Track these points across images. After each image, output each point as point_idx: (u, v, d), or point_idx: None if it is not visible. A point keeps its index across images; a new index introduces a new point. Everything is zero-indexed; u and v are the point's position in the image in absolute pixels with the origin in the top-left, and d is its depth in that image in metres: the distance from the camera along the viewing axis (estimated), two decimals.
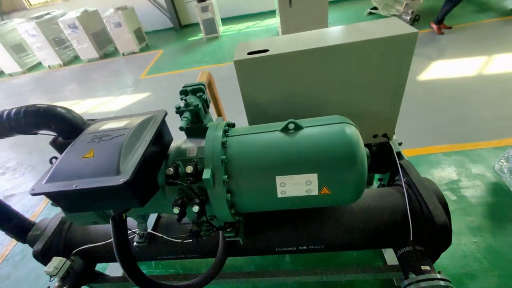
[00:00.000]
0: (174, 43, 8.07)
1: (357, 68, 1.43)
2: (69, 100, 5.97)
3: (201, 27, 7.49)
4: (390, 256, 1.89)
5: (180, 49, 7.50)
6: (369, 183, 2.27)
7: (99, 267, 2.10)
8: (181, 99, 1.29)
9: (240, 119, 1.82)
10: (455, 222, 2.09)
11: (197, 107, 1.24)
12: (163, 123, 1.24)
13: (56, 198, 0.99)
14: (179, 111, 1.24)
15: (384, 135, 1.74)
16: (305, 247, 1.57)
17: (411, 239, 1.40)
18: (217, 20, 7.46)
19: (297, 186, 1.11)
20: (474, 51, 4.29)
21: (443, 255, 1.95)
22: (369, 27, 1.49)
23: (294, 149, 1.11)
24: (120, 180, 0.88)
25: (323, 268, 1.70)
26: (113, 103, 5.34)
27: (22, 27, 7.57)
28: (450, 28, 5.21)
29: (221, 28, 7.95)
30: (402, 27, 1.36)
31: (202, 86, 1.34)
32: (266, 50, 1.48)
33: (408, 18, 5.64)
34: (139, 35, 7.96)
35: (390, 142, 1.75)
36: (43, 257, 1.63)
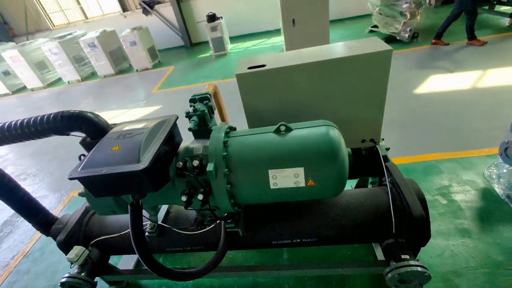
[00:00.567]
0: (185, 60, 8.55)
1: (342, 80, 1.65)
2: None
3: (210, 45, 7.97)
4: (380, 253, 2.01)
5: (190, 65, 7.95)
6: (363, 186, 2.42)
7: (112, 261, 2.27)
8: (190, 105, 1.54)
9: (244, 126, 2.03)
10: (445, 224, 2.21)
11: (203, 112, 1.48)
12: (174, 125, 1.47)
13: (88, 182, 1.21)
14: (188, 115, 1.48)
15: (372, 140, 1.92)
16: (299, 240, 1.73)
17: (393, 231, 1.56)
18: (225, 39, 7.93)
19: (287, 179, 1.31)
20: (472, 65, 4.47)
21: (432, 254, 2.07)
22: (354, 45, 1.72)
23: (284, 147, 1.32)
24: (140, 166, 1.10)
25: (318, 263, 1.85)
26: (127, 115, 5.69)
27: (45, 46, 8.23)
28: (447, 44, 5.44)
29: (229, 46, 8.41)
30: (380, 45, 1.58)
31: (208, 95, 1.59)
32: (264, 65, 1.71)
33: (407, 35, 5.88)
34: (152, 52, 8.49)
35: (377, 147, 1.92)
36: (65, 245, 1.84)
